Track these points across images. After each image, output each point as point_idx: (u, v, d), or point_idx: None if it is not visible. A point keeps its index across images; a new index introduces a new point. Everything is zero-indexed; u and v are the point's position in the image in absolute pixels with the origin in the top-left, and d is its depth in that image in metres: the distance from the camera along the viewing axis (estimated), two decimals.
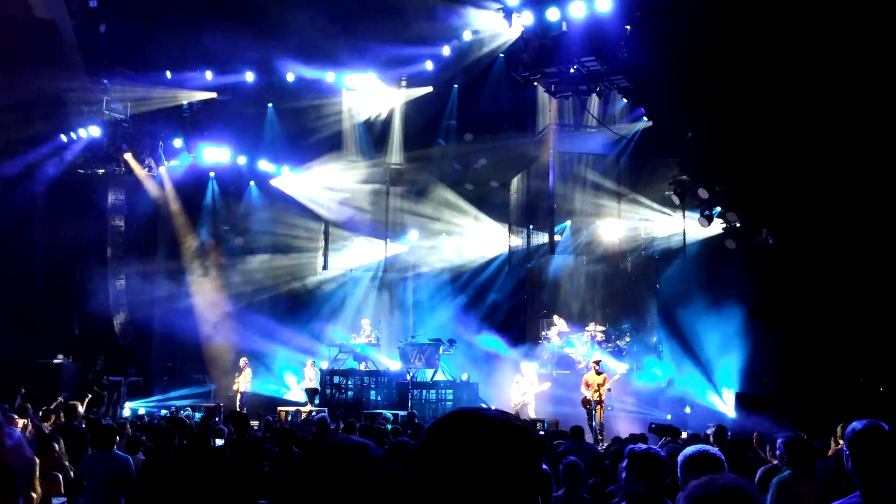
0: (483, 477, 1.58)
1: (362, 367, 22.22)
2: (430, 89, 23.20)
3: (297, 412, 19.23)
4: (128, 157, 22.91)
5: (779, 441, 6.57)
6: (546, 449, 9.67)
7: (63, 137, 22.14)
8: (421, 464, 1.63)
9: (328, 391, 20.99)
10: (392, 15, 20.44)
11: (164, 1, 19.89)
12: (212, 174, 24.86)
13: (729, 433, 10.41)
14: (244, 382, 21.15)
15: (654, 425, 13.63)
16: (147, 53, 21.51)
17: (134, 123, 22.73)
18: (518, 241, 24.89)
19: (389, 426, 12.81)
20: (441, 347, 21.14)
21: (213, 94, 23.82)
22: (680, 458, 4.16)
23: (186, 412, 18.05)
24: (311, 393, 20.66)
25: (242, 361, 21.51)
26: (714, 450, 4.23)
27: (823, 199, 14.08)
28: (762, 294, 16.25)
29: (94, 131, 22.05)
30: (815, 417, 12.13)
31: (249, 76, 23.27)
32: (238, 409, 18.44)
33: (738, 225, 17.71)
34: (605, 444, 14.11)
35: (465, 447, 1.60)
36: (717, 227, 18.30)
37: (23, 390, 13.87)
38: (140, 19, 20.86)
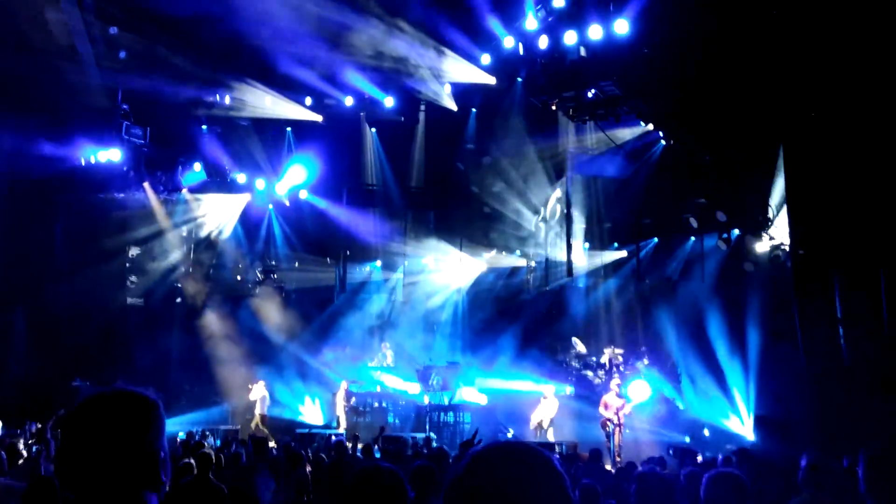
0: None
1: (378, 389, 22.22)
2: (454, 107, 22.73)
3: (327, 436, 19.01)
4: (146, 185, 23.15)
5: (802, 463, 6.51)
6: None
7: (82, 161, 22.33)
8: (459, 496, 1.69)
9: (346, 414, 20.94)
10: (409, 39, 20.47)
11: (179, 28, 19.97)
12: (232, 198, 25.07)
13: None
14: (262, 405, 21.16)
15: (672, 449, 13.59)
16: (165, 78, 21.64)
17: (153, 147, 22.89)
18: (536, 264, 24.84)
19: (409, 451, 12.78)
20: (458, 370, 21.08)
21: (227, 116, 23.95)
22: (704, 479, 4.15)
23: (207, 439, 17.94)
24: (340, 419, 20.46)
25: (259, 384, 21.50)
26: (737, 472, 4.22)
27: (841, 220, 14.04)
28: (781, 316, 16.16)
29: (114, 155, 22.24)
30: (836, 440, 12.00)
31: (268, 100, 23.16)
32: (255, 432, 18.48)
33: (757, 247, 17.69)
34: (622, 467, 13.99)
35: (501, 480, 1.66)
36: (736, 249, 18.26)
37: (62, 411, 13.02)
38: (158, 46, 21.00)
